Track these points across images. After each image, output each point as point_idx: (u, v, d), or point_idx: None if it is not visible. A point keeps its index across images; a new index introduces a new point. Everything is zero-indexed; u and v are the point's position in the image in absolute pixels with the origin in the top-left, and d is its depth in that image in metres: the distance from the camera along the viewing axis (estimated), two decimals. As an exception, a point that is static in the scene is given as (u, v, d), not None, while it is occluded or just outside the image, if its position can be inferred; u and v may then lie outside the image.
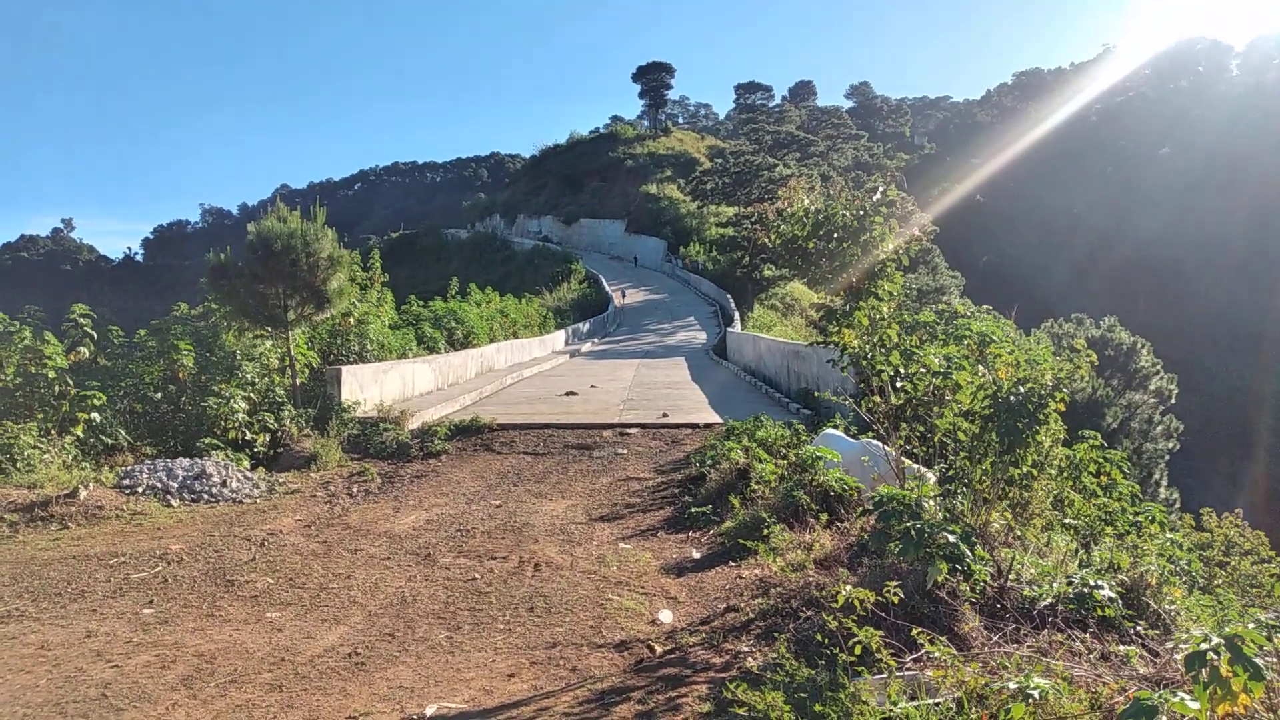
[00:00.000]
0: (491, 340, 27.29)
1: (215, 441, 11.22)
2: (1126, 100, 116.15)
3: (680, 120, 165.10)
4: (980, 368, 6.21)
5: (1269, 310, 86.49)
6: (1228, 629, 2.76)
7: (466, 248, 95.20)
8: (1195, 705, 2.64)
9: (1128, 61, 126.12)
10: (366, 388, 14.58)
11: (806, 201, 8.26)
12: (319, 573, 6.83)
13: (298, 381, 13.46)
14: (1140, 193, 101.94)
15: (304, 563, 7.11)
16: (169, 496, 9.43)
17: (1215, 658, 2.65)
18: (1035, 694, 3.16)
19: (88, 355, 12.24)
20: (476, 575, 6.66)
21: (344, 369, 14.04)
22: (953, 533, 4.83)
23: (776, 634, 5.03)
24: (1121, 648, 4.51)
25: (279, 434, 12.14)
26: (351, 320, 16.72)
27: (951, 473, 6.72)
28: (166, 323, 13.89)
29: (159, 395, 12.11)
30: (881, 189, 8.29)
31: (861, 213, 7.81)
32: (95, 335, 12.46)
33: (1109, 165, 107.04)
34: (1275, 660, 4.09)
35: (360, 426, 12.87)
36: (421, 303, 24.45)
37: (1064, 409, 6.79)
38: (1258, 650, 2.83)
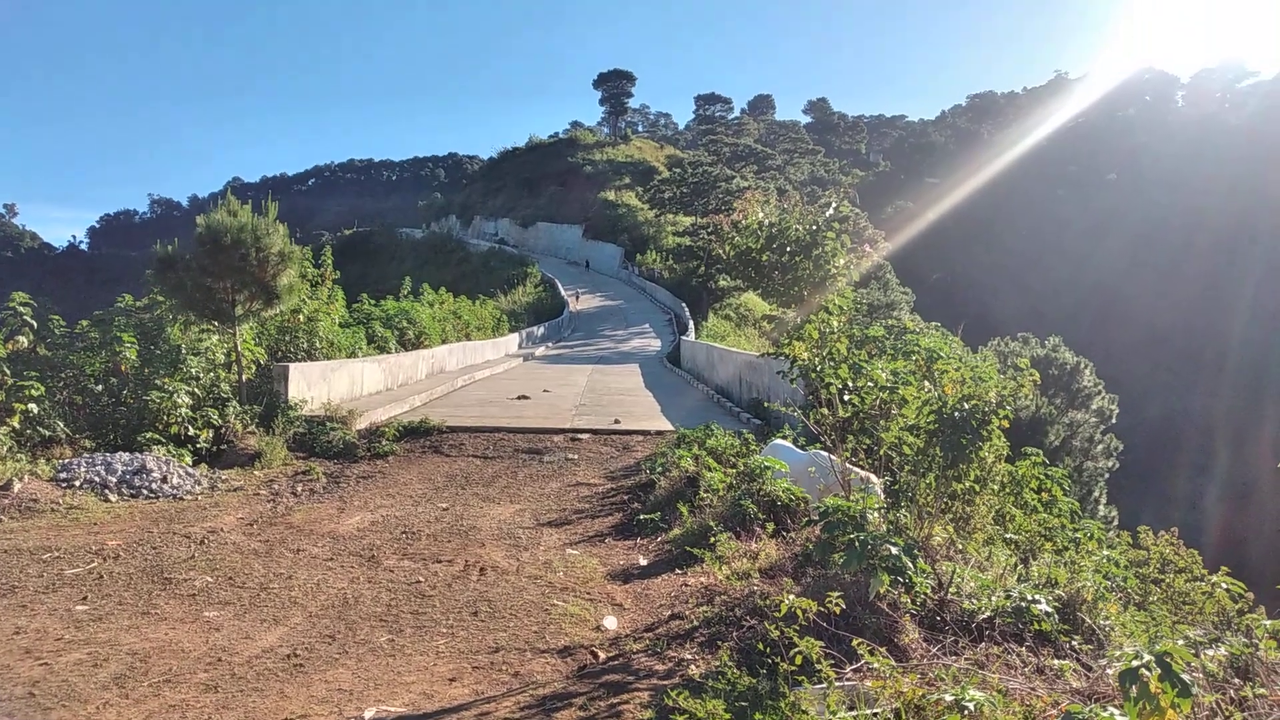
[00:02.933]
0: (444, 341, 27.06)
1: (157, 436, 10.99)
2: (1076, 126, 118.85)
3: (640, 128, 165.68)
4: (926, 383, 6.31)
5: (1208, 333, 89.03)
6: (1158, 646, 2.84)
7: (421, 248, 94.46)
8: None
9: (1078, 89, 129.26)
10: (314, 386, 14.38)
11: (761, 215, 8.34)
12: (259, 572, 6.71)
13: (244, 378, 13.23)
14: (1088, 216, 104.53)
15: (244, 562, 6.98)
16: (107, 491, 9.22)
17: (1146, 674, 2.73)
18: (970, 706, 3.22)
19: (26, 345, 11.92)
20: (421, 578, 6.60)
21: (292, 366, 13.83)
22: (896, 545, 4.90)
23: (720, 642, 5.05)
24: (1056, 661, 4.60)
25: (223, 430, 11.93)
26: (301, 317, 16.47)
27: (896, 486, 6.81)
28: (110, 314, 13.57)
29: (100, 388, 11.83)
30: (834, 205, 8.39)
31: (814, 228, 7.91)
32: (35, 324, 12.13)
33: (1059, 189, 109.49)
34: (1202, 677, 4.21)
35: (307, 425, 12.69)
36: (373, 302, 24.17)
37: (1008, 426, 6.93)
38: (1185, 667, 2.91)
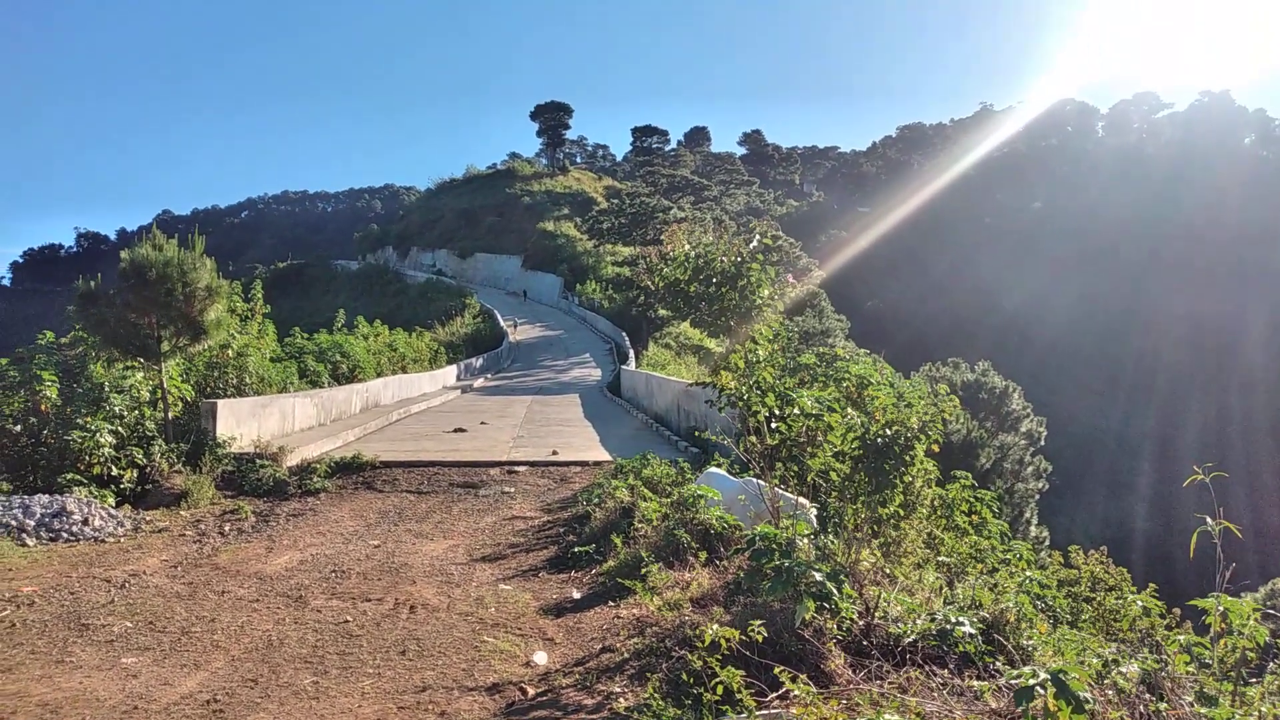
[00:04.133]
0: (379, 375, 26.73)
1: (78, 477, 10.66)
2: (1002, 156, 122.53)
3: (578, 159, 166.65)
4: (850, 409, 6.42)
5: (1127, 357, 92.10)
6: (1054, 664, 2.93)
7: (356, 279, 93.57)
8: (1026, 737, 2.79)
9: (1003, 119, 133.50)
10: (244, 422, 14.09)
11: (687, 246, 8.46)
12: (182, 615, 6.54)
13: (170, 415, 12.92)
14: (1014, 243, 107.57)
15: (166, 605, 6.80)
16: (24, 535, 8.91)
17: (1041, 692, 2.81)
18: (886, 729, 3.28)
19: (-61, 385, 11.51)
20: (349, 618, 6.49)
21: (220, 403, 13.55)
22: (820, 571, 4.97)
23: (650, 674, 5.05)
24: (977, 683, 4.68)
25: (148, 470, 11.61)
26: (230, 352, 16.16)
27: (825, 512, 6.91)
28: (31, 351, 13.16)
29: (19, 428, 11.44)
30: (758, 237, 8.57)
31: (739, 259, 8.04)
32: (-51, 364, 11.73)
33: (987, 216, 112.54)
34: (1113, 693, 4.33)
35: (235, 463, 12.43)
36: (306, 335, 23.81)
37: (938, 450, 7.08)
38: (1090, 683, 3.00)
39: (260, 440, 13.78)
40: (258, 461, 12.43)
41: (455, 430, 18.10)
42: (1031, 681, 2.84)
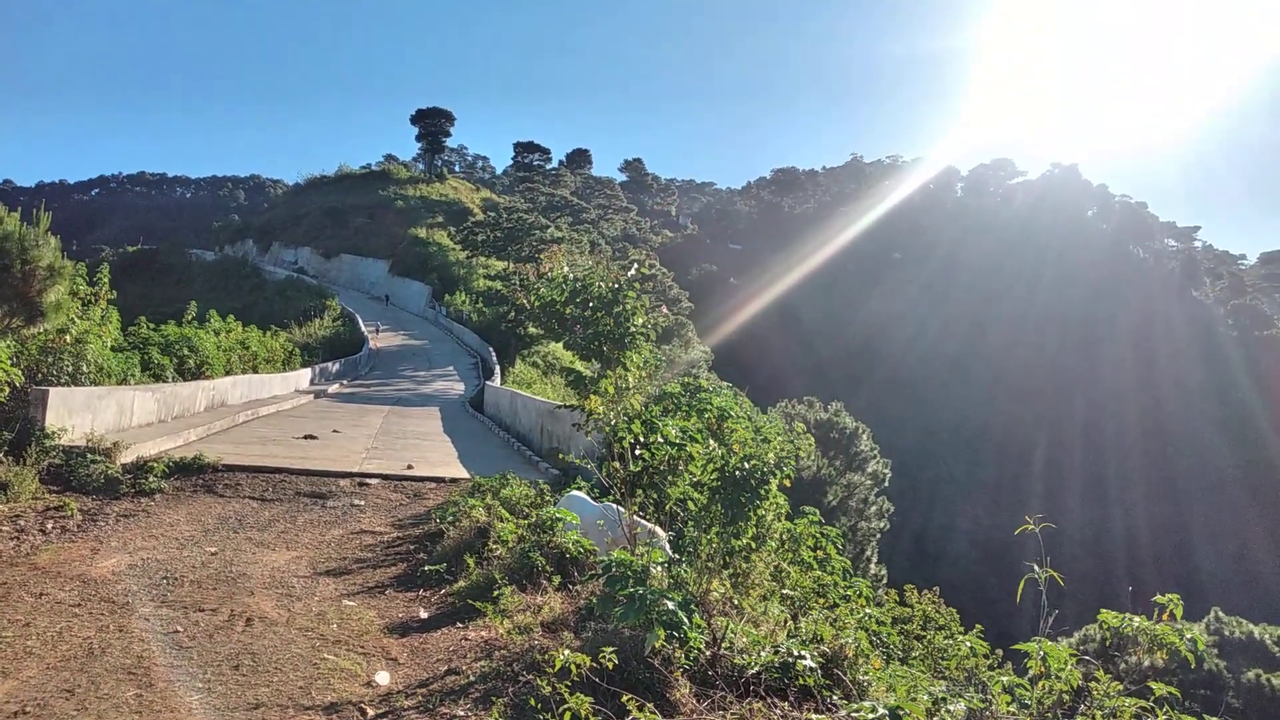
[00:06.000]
0: (228, 373, 25.52)
1: (-122, 463, 9.76)
2: (868, 207, 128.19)
3: (457, 168, 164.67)
4: (711, 441, 6.54)
5: (974, 403, 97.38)
6: (891, 701, 3.05)
7: (212, 271, 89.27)
8: (862, 771, 2.90)
9: (871, 172, 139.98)
10: (77, 414, 13.21)
11: (566, 269, 8.50)
12: (-10, 620, 6.06)
13: (-8, 400, 11.99)
14: (873, 290, 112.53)
15: (-27, 608, 6.28)
16: None
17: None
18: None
19: None
20: (179, 628, 6.14)
21: (52, 390, 12.66)
22: (673, 600, 5.03)
23: (495, 698, 4.97)
24: (815, 716, 4.82)
25: (-38, 459, 10.73)
26: (68, 338, 15.12)
27: (681, 541, 6.99)
28: None
29: None
30: (636, 265, 8.70)
31: (616, 286, 8.12)
32: None
33: (850, 263, 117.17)
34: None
35: (65, 456, 11.61)
36: (153, 326, 22.51)
37: (790, 485, 7.28)
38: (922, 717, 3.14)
39: (94, 434, 12.93)
40: (89, 456, 11.65)
41: (306, 437, 17.46)
42: (870, 717, 2.95)
